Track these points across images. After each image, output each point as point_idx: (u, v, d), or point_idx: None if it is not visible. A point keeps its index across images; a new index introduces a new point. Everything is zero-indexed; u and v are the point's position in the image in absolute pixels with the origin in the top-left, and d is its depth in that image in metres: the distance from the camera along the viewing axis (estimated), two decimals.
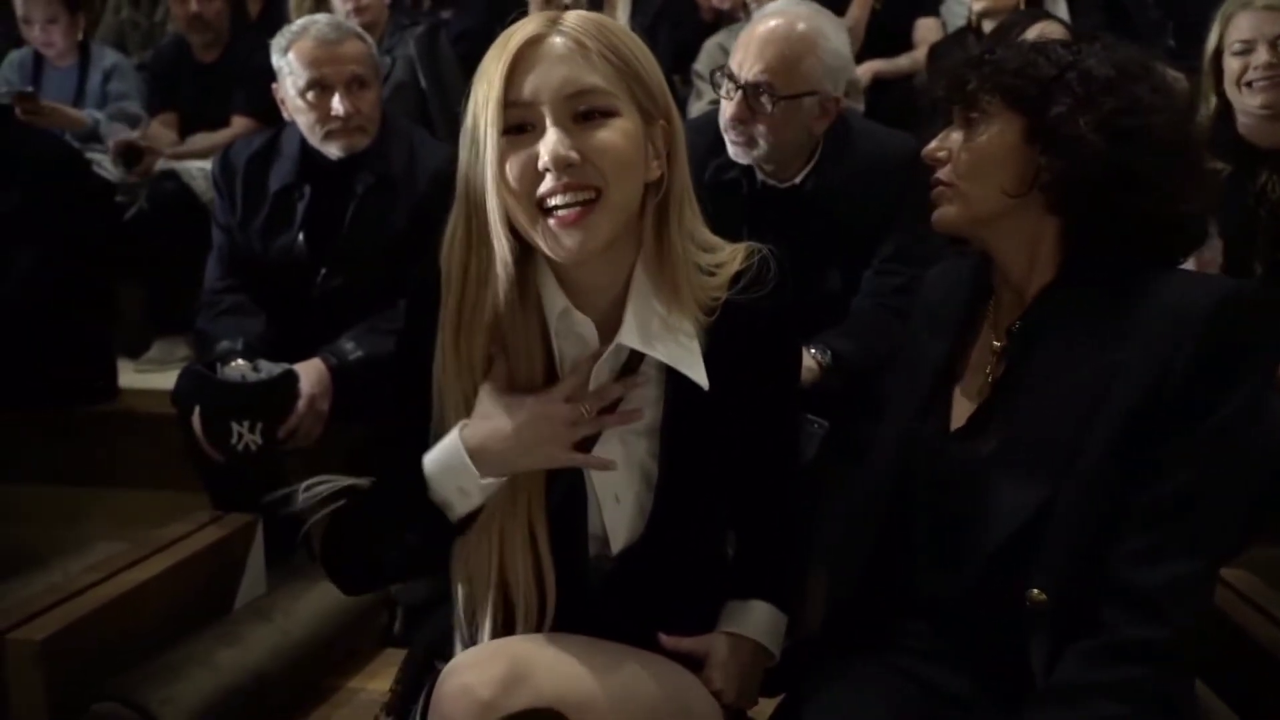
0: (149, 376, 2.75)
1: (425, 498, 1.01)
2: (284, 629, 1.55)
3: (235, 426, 1.75)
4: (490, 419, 1.01)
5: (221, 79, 3.24)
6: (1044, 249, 1.07)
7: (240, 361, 1.83)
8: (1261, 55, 1.90)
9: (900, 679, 1.10)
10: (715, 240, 1.09)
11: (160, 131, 3.29)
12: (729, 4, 3.47)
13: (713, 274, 1.07)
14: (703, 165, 1.79)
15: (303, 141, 2.03)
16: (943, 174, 1.09)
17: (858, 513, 1.19)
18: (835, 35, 1.80)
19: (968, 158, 1.07)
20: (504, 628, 1.04)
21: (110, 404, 2.50)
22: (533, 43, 0.97)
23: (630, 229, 1.03)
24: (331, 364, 1.90)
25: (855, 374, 1.73)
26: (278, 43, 2.02)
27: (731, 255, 1.08)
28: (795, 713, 1.08)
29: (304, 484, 1.07)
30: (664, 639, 1.09)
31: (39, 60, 3.33)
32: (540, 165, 0.96)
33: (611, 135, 0.97)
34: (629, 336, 1.04)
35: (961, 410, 1.11)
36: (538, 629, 1.04)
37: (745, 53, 1.77)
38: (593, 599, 1.07)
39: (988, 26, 2.90)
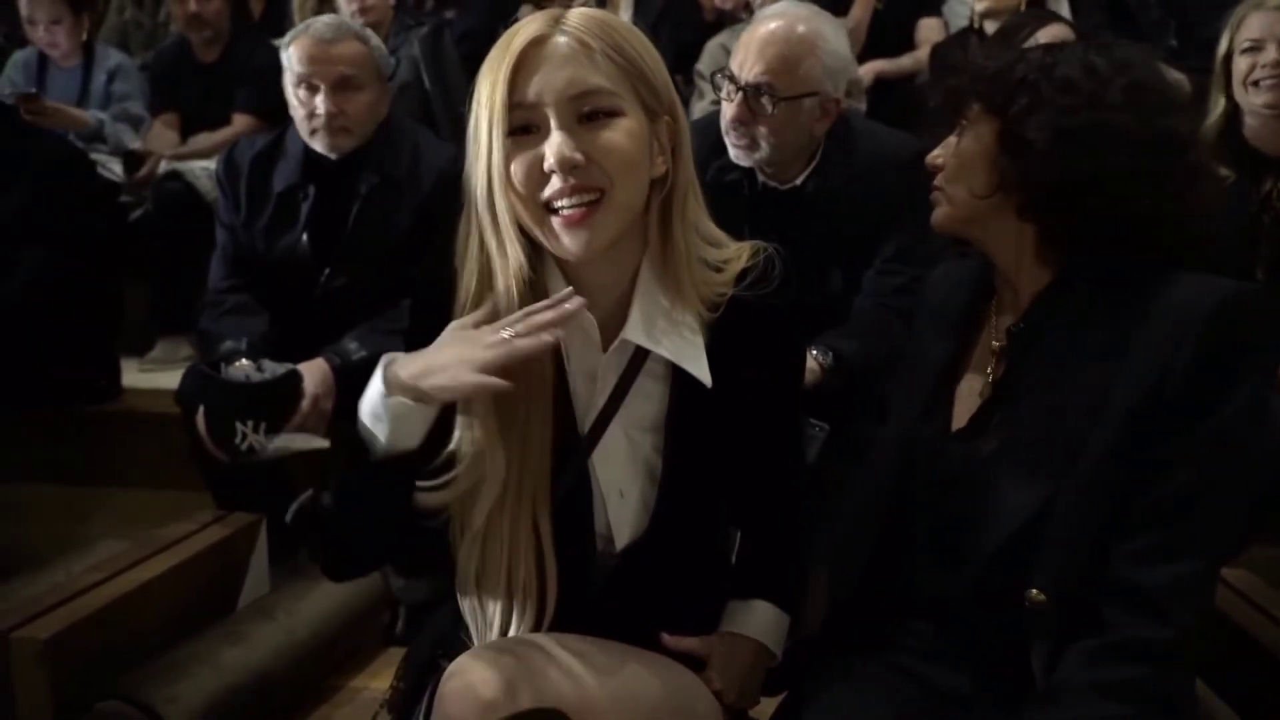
0: (152, 376, 2.75)
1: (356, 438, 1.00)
2: (287, 628, 1.56)
3: (239, 426, 1.76)
4: (418, 353, 0.99)
5: (222, 78, 3.25)
6: (1029, 250, 1.07)
7: (244, 361, 1.84)
8: (1270, 54, 1.90)
9: (901, 679, 1.10)
10: (721, 235, 1.10)
11: (162, 132, 3.29)
12: (731, 4, 3.48)
13: (719, 270, 1.07)
14: (705, 166, 1.79)
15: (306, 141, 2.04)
16: (937, 178, 1.12)
17: (859, 512, 1.19)
18: (835, 36, 1.81)
19: (951, 162, 1.10)
20: (510, 625, 1.04)
21: (113, 404, 2.51)
22: (536, 43, 0.97)
23: (636, 225, 1.04)
24: (335, 364, 1.90)
25: (857, 375, 1.73)
26: (285, 39, 2.04)
27: (737, 252, 1.09)
28: (796, 712, 1.09)
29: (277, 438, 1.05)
30: (666, 638, 1.09)
31: (43, 61, 3.33)
32: (546, 168, 0.96)
33: (616, 136, 0.98)
34: (634, 332, 1.04)
35: (963, 410, 1.11)
36: (538, 627, 1.04)
37: (745, 54, 1.77)
38: (596, 596, 1.08)
39: (990, 27, 2.90)
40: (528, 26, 0.98)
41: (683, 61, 3.30)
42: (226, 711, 1.39)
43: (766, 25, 1.80)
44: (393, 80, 2.23)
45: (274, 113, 2.06)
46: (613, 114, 0.98)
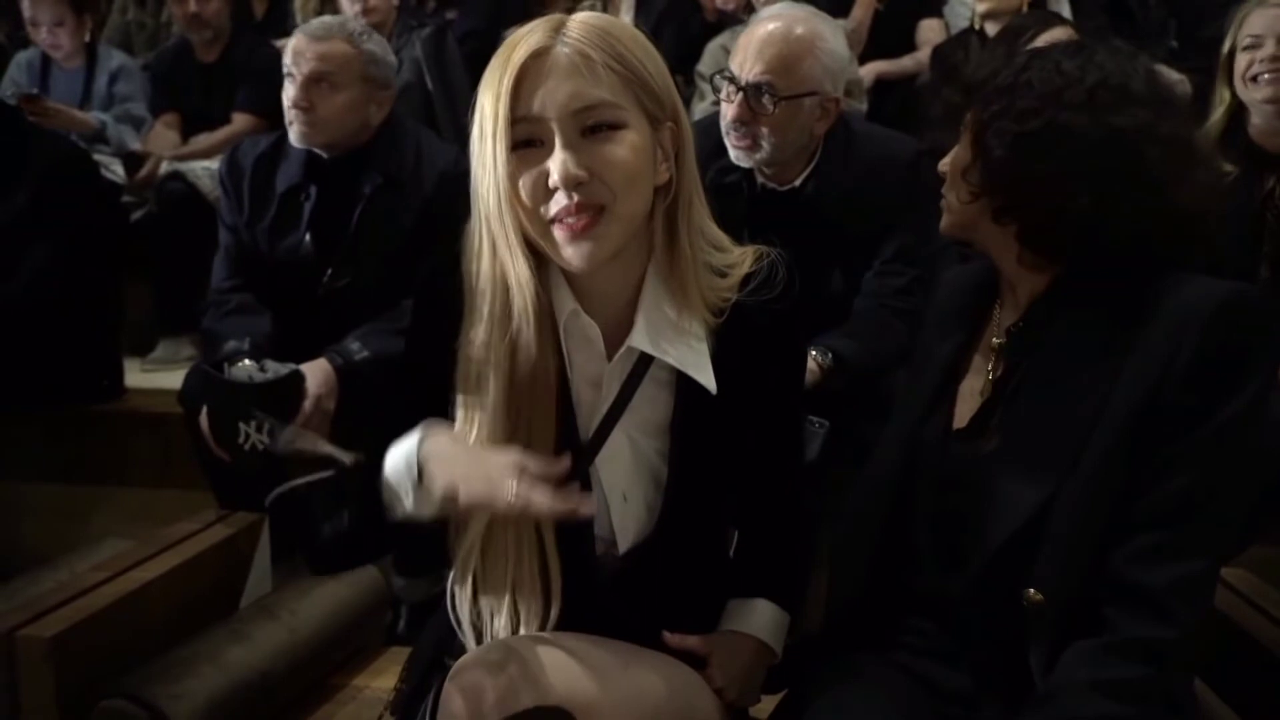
0: (155, 376, 2.76)
1: (374, 485, 1.02)
2: (291, 627, 1.56)
3: (242, 426, 1.76)
4: (455, 442, 1.01)
5: (223, 78, 3.25)
6: (1017, 254, 1.08)
7: (247, 361, 1.84)
8: (1268, 49, 1.91)
9: (902, 677, 1.10)
10: (725, 239, 1.10)
11: (163, 132, 3.30)
12: (733, 5, 3.48)
13: (724, 275, 1.07)
14: (705, 168, 1.79)
15: None
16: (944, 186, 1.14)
17: (861, 511, 1.20)
18: (833, 37, 1.82)
19: (948, 170, 1.12)
20: (513, 626, 1.05)
21: (116, 403, 2.51)
22: (537, 55, 0.97)
23: (641, 232, 1.04)
24: (337, 364, 1.91)
25: (857, 375, 1.73)
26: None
27: (741, 257, 1.09)
28: (797, 711, 1.09)
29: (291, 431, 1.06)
30: (667, 637, 1.09)
31: (46, 62, 3.33)
32: (550, 184, 0.96)
33: (620, 149, 0.98)
34: (639, 340, 1.05)
35: (965, 409, 1.12)
36: (543, 628, 1.04)
37: (745, 55, 1.78)
38: (599, 598, 1.08)
39: (990, 28, 2.90)
40: (528, 38, 0.98)
41: (684, 62, 3.30)
42: (230, 709, 1.39)
43: (765, 26, 1.80)
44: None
45: (274, 112, 2.07)
46: (616, 126, 0.98)
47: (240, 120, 3.20)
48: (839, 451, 1.59)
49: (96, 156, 2.87)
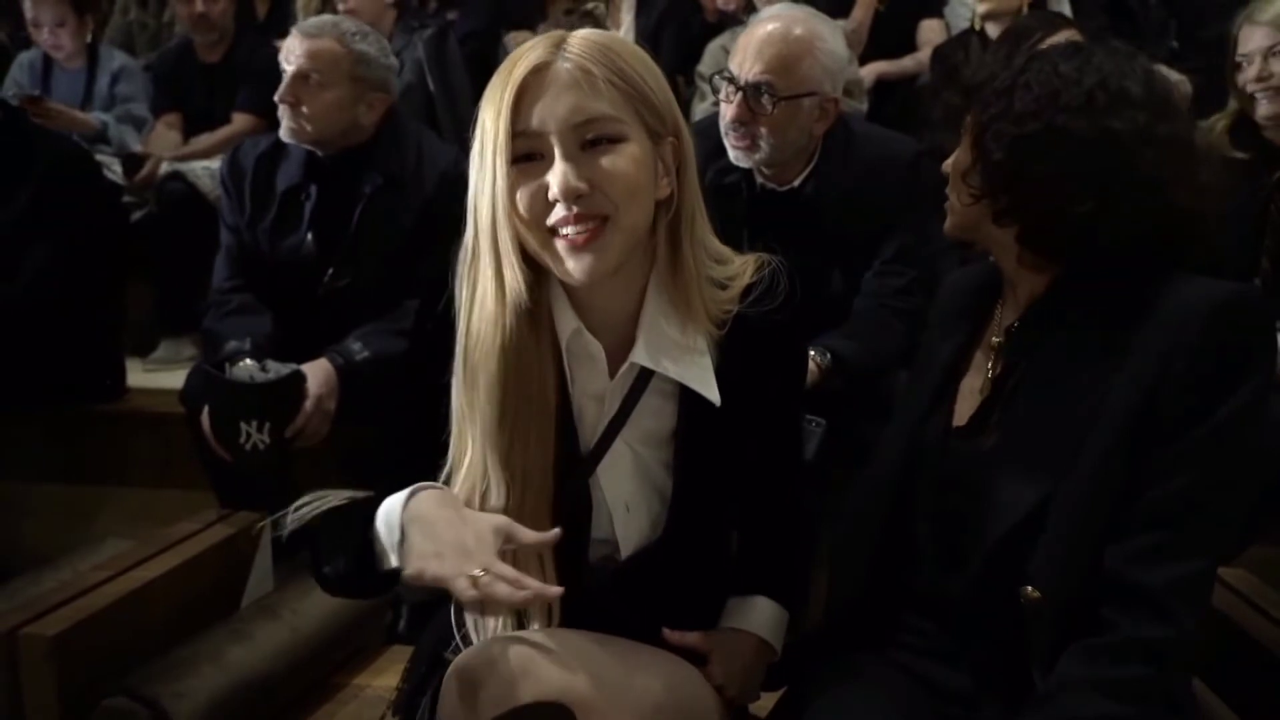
0: (156, 376, 2.76)
1: (365, 535, 1.02)
2: (292, 626, 1.56)
3: (243, 426, 1.77)
4: (443, 505, 0.99)
5: (226, 78, 3.26)
6: (1017, 255, 1.09)
7: (248, 361, 1.85)
8: (1255, 68, 1.92)
9: (902, 676, 1.10)
10: (727, 251, 1.10)
11: (164, 133, 3.30)
12: (733, 5, 3.48)
13: (725, 287, 1.07)
14: (704, 169, 1.80)
15: None
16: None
17: (863, 510, 1.20)
18: (832, 37, 1.83)
19: (950, 172, 1.13)
20: (515, 628, 1.05)
21: (118, 403, 2.51)
22: (538, 71, 0.97)
23: (643, 247, 1.04)
24: (338, 364, 1.91)
25: (856, 375, 1.74)
26: None
27: (742, 267, 1.09)
28: (797, 709, 1.09)
29: (299, 502, 1.07)
30: (668, 634, 1.10)
31: (48, 62, 3.34)
32: (550, 196, 0.97)
33: (620, 162, 0.98)
34: (641, 355, 1.05)
35: (965, 407, 1.12)
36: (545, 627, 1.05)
37: (744, 55, 1.78)
38: (600, 601, 1.08)
39: (991, 28, 2.90)
40: (530, 53, 0.98)
41: (685, 62, 3.31)
42: (232, 708, 1.40)
43: (764, 26, 1.81)
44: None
45: (274, 113, 2.07)
46: (616, 140, 0.98)
47: (240, 120, 3.20)
48: (838, 451, 1.60)
49: (98, 157, 2.88)
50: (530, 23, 3.38)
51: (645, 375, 1.07)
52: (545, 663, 0.97)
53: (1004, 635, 1.03)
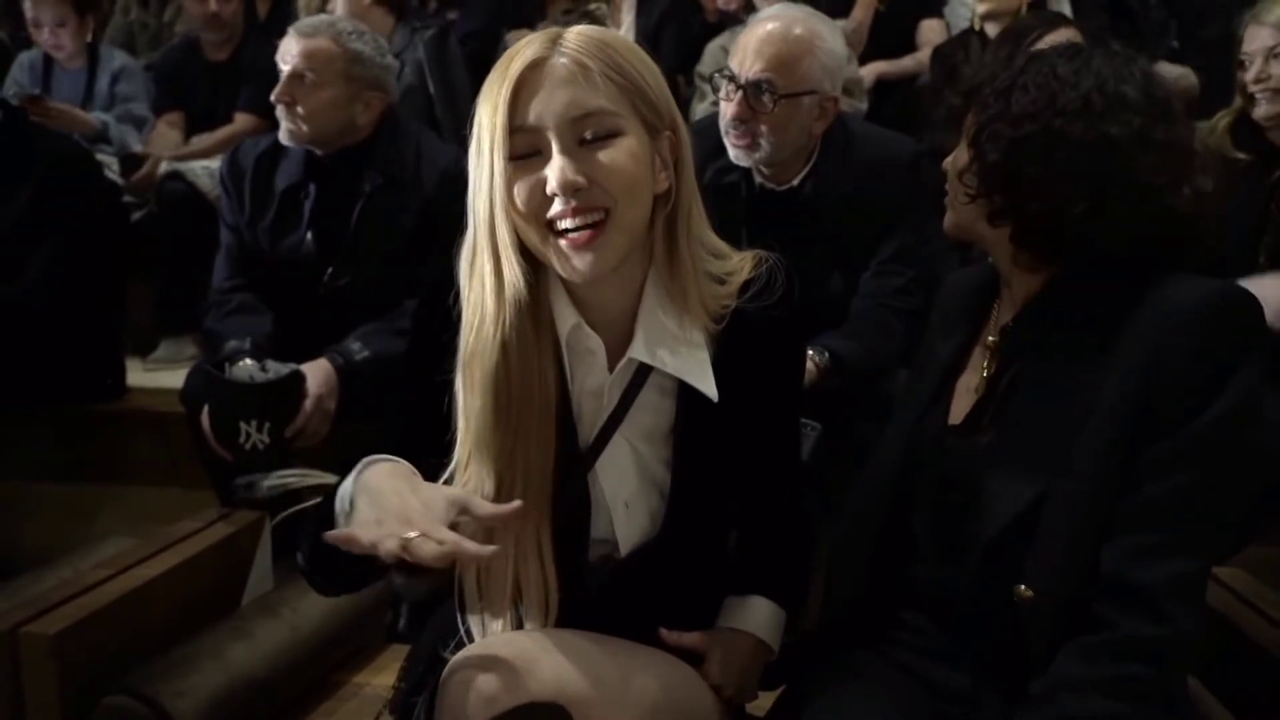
0: (157, 375, 2.77)
1: (325, 514, 1.00)
2: (292, 624, 1.57)
3: (243, 426, 1.77)
4: (395, 476, 0.97)
5: (231, 77, 3.26)
6: (1012, 255, 1.09)
7: (248, 361, 1.85)
8: (1256, 68, 1.92)
9: (901, 675, 1.11)
10: (724, 246, 1.10)
11: (165, 131, 3.31)
12: (734, 4, 3.48)
13: (723, 282, 1.08)
14: (703, 168, 1.80)
15: None
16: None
17: (862, 510, 1.20)
18: (831, 36, 1.83)
19: (948, 171, 1.14)
20: (514, 626, 1.05)
21: (119, 403, 2.52)
22: (535, 66, 0.97)
23: (641, 242, 1.04)
24: (338, 364, 1.92)
25: (855, 375, 1.74)
26: None
27: (740, 263, 1.09)
28: (795, 708, 1.10)
29: (274, 474, 1.05)
30: (665, 634, 1.10)
31: (48, 62, 3.34)
32: (548, 191, 0.97)
33: (618, 156, 0.98)
34: (638, 351, 1.05)
35: (961, 405, 1.13)
36: (543, 627, 1.05)
37: (744, 54, 1.79)
38: (599, 599, 1.09)
39: (991, 28, 2.90)
40: (526, 49, 0.99)
41: (685, 62, 3.31)
42: (232, 706, 1.40)
43: (764, 25, 1.82)
44: (397, 83, 2.24)
45: (275, 112, 2.08)
46: (614, 134, 0.98)
47: (242, 120, 3.20)
48: (837, 452, 1.60)
49: (99, 157, 2.88)
50: (530, 22, 3.38)
51: (643, 370, 1.07)
52: (543, 663, 0.97)
53: (1002, 634, 1.03)
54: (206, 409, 1.83)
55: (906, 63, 3.31)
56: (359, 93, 2.02)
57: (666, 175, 1.03)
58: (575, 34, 1.00)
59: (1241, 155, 1.94)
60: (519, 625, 1.05)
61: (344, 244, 2.04)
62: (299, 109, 1.98)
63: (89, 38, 3.32)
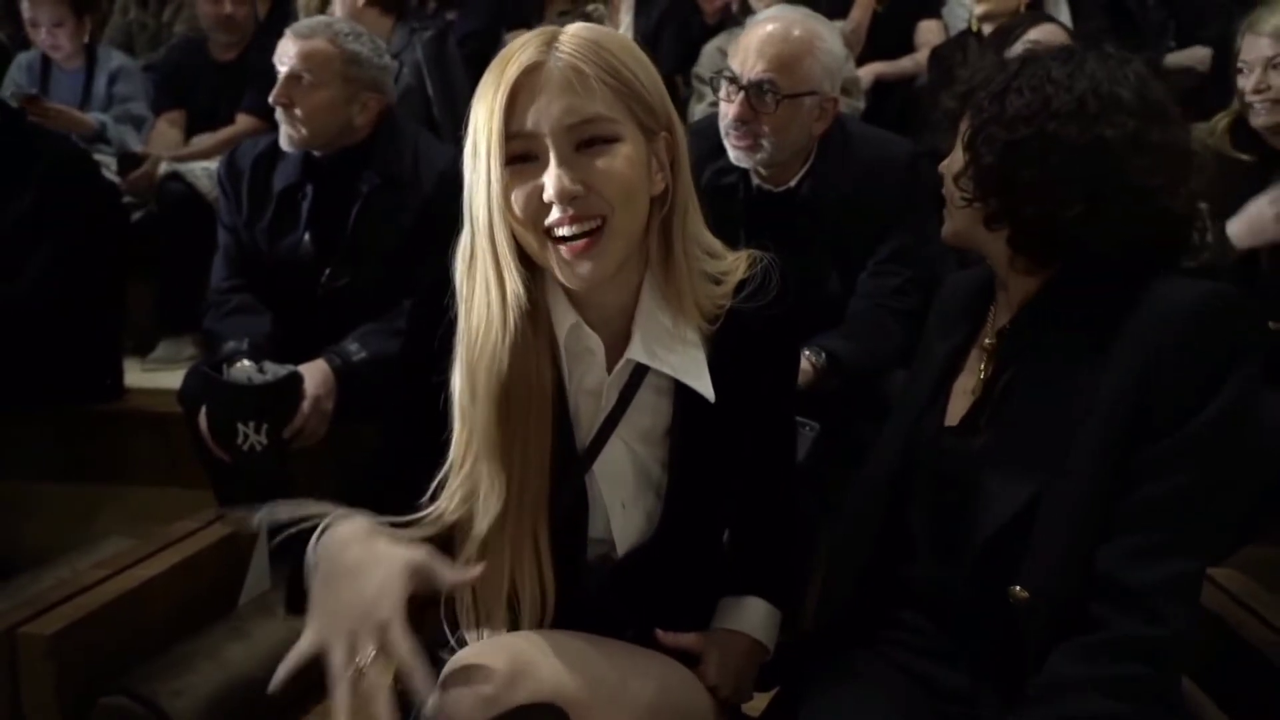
0: (156, 375, 2.76)
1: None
2: (290, 624, 1.56)
3: (241, 427, 1.77)
4: (355, 541, 0.95)
5: (237, 79, 3.25)
6: (1009, 257, 1.09)
7: (246, 362, 1.85)
8: (1255, 78, 1.92)
9: (899, 675, 1.11)
10: (719, 246, 1.10)
11: (165, 130, 3.30)
12: (736, 4, 3.48)
13: (719, 282, 1.08)
14: (701, 169, 1.81)
15: None
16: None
17: (861, 510, 1.20)
18: (830, 37, 1.84)
19: (945, 174, 1.14)
20: (510, 627, 1.05)
21: (117, 403, 2.52)
22: (530, 71, 0.97)
23: (638, 243, 1.04)
24: (336, 365, 1.91)
25: (852, 375, 1.74)
26: None
27: (735, 263, 1.09)
28: (791, 708, 1.10)
29: (269, 506, 1.03)
30: (661, 635, 1.10)
31: (46, 63, 3.34)
32: (545, 198, 0.96)
33: (615, 163, 0.98)
34: (636, 352, 1.05)
35: (957, 406, 1.13)
36: (539, 628, 1.05)
37: (745, 54, 1.79)
38: (596, 600, 1.09)
39: (989, 29, 2.90)
40: (521, 53, 0.98)
41: (684, 63, 3.31)
42: (229, 706, 1.40)
43: (764, 26, 1.82)
44: (396, 84, 2.24)
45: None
46: (610, 140, 0.98)
47: (243, 121, 3.20)
48: (835, 452, 1.60)
49: (97, 156, 2.88)
50: (529, 23, 3.37)
51: (640, 370, 1.07)
52: (540, 664, 0.97)
53: (999, 633, 1.03)
54: (204, 410, 1.83)
55: (904, 64, 3.31)
56: (356, 94, 2.02)
57: (663, 176, 1.03)
58: (570, 36, 0.99)
59: (1242, 156, 1.94)
60: (515, 626, 1.05)
61: (342, 245, 2.04)
62: (297, 110, 1.98)
63: (86, 38, 3.32)
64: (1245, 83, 1.95)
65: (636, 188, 1.00)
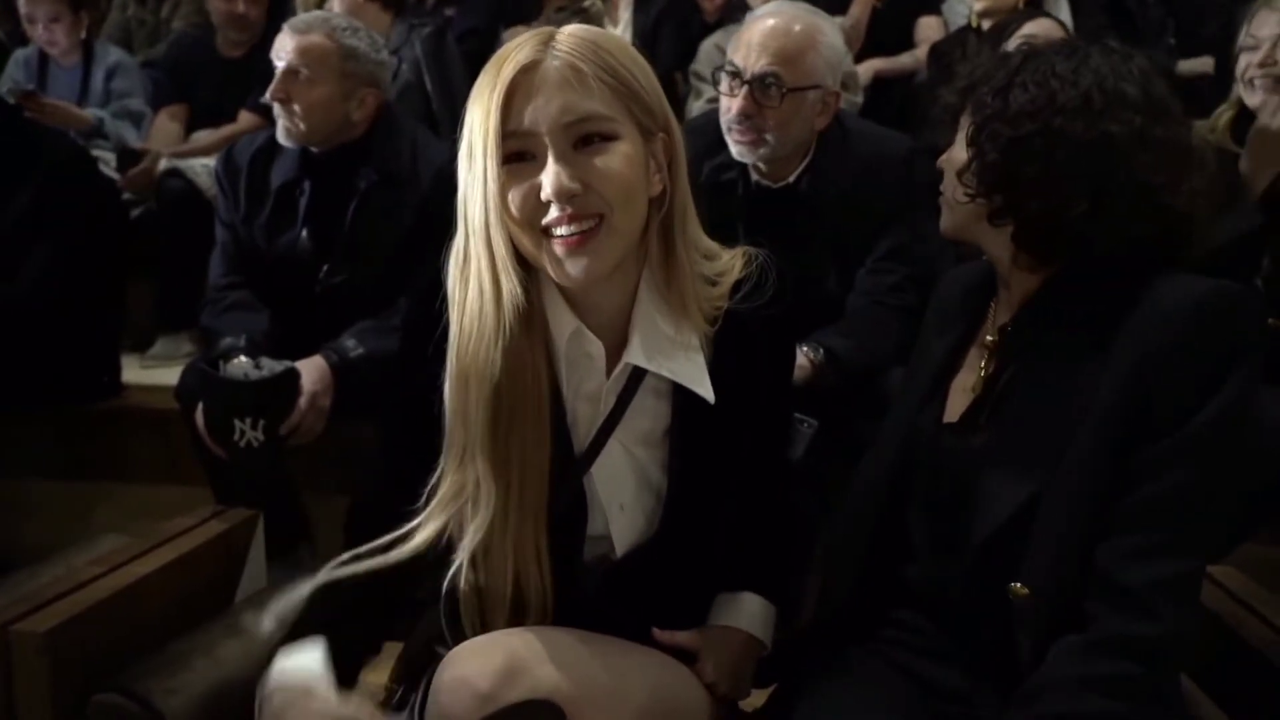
0: (153, 372, 2.76)
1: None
2: (284, 624, 1.56)
3: (237, 423, 1.77)
4: (299, 698, 0.97)
5: (243, 75, 3.24)
6: (1012, 254, 1.09)
7: (243, 359, 1.84)
8: (1263, 52, 1.89)
9: (895, 671, 1.11)
10: (716, 247, 1.10)
11: (166, 124, 3.30)
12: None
13: (715, 283, 1.07)
14: (699, 166, 1.80)
15: None
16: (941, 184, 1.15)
17: (859, 509, 1.20)
18: (831, 31, 1.84)
19: (945, 169, 1.13)
20: (509, 625, 1.05)
21: (115, 400, 2.51)
22: (527, 69, 0.96)
23: (636, 245, 1.03)
24: (333, 361, 1.91)
25: (851, 371, 1.74)
26: None
27: (730, 263, 1.09)
28: (788, 704, 1.10)
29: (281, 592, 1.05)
30: (657, 633, 1.10)
31: (44, 59, 3.34)
32: (543, 197, 0.96)
33: (613, 161, 0.97)
34: (635, 355, 1.05)
35: (957, 404, 1.13)
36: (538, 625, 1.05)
37: (748, 48, 1.78)
38: (594, 600, 1.09)
39: (988, 25, 2.91)
40: (518, 52, 0.97)
41: (683, 60, 3.31)
42: (224, 704, 1.39)
43: (765, 21, 1.81)
44: (395, 81, 2.23)
45: None
46: (608, 138, 0.98)
47: (245, 119, 3.19)
48: (833, 449, 1.60)
49: (95, 153, 2.88)
50: (528, 20, 3.37)
51: (639, 374, 1.07)
52: (536, 661, 0.97)
53: (997, 632, 1.03)
54: (200, 406, 1.83)
55: (904, 60, 3.31)
56: (354, 89, 2.02)
57: (661, 178, 1.02)
58: (567, 35, 0.99)
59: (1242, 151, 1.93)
60: (512, 624, 1.04)
61: (340, 241, 2.04)
62: (295, 106, 1.97)
63: (83, 34, 3.31)
64: (1249, 59, 1.91)
65: (635, 187, 0.99)
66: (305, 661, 0.99)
